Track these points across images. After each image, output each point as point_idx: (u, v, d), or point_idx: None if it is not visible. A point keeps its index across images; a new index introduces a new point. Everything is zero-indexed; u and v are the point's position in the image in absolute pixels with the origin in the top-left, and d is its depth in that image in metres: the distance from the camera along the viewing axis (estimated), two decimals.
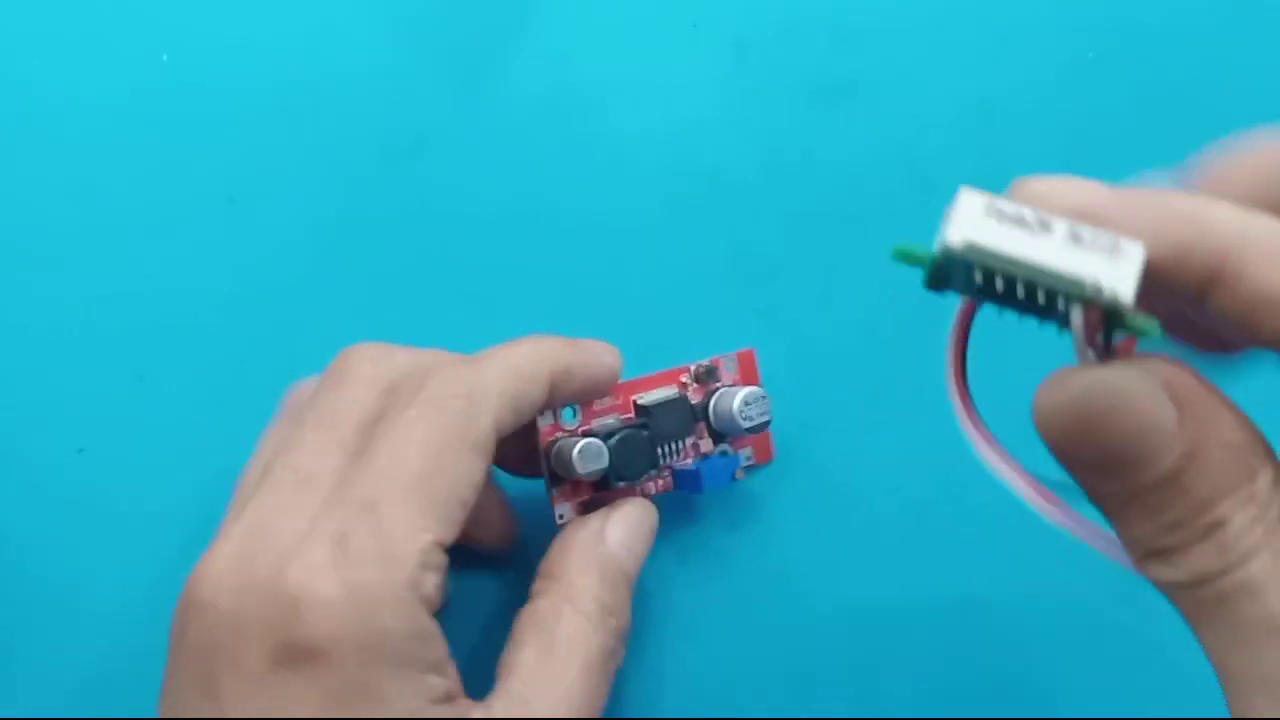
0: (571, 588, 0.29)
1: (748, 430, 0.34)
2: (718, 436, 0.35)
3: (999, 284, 0.21)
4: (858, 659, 0.36)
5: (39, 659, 0.35)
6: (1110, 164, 0.40)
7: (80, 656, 0.35)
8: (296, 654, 0.24)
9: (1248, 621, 0.20)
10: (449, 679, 0.26)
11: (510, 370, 0.28)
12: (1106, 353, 0.21)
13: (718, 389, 0.34)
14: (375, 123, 0.39)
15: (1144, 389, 0.20)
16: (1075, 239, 0.20)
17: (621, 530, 0.30)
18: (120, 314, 0.37)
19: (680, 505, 0.36)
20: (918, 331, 0.39)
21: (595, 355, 0.31)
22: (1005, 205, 0.21)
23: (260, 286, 0.38)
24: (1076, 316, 0.20)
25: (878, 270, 0.41)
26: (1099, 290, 0.20)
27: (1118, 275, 0.20)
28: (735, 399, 0.34)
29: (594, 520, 0.31)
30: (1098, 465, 0.21)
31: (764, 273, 0.39)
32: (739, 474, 0.35)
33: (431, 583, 0.25)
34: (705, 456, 0.34)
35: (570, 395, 0.31)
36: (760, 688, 0.36)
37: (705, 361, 0.35)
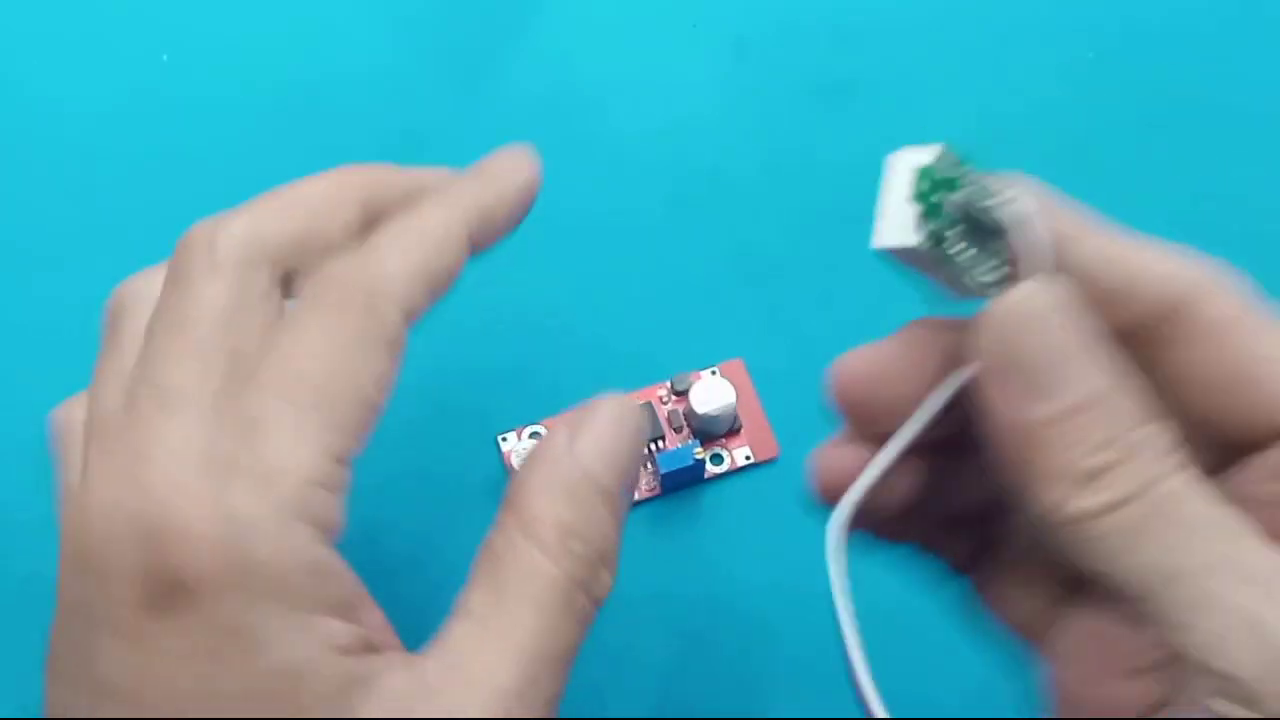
0: (526, 513, 0.23)
1: (713, 416, 0.35)
2: (702, 436, 0.36)
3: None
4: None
5: (39, 659, 0.35)
6: (1110, 164, 0.41)
7: None
8: (165, 597, 0.21)
9: (1192, 520, 0.20)
10: (362, 624, 0.22)
11: (418, 245, 0.24)
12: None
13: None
14: (375, 123, 0.39)
15: (1076, 300, 0.21)
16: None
17: (591, 436, 0.24)
18: None
19: (681, 504, 0.36)
20: None
21: (506, 181, 0.27)
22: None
23: None
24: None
25: (878, 270, 0.41)
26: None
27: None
28: (697, 394, 0.34)
29: (559, 430, 0.25)
30: (1034, 379, 0.21)
31: (764, 273, 0.39)
32: (699, 453, 0.36)
33: (326, 503, 0.21)
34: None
35: (494, 238, 0.27)
36: (761, 687, 0.36)
37: (685, 374, 0.36)
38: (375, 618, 0.23)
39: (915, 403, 0.23)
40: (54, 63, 0.39)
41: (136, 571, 0.21)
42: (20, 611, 0.35)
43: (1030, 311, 0.21)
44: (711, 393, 0.35)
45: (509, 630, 0.22)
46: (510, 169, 0.27)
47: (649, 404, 0.36)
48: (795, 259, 0.39)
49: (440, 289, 0.25)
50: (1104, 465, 0.20)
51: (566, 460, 0.24)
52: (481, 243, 0.26)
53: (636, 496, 0.35)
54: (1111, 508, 0.20)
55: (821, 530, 0.25)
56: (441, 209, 0.25)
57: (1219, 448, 0.23)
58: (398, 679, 0.21)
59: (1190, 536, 0.20)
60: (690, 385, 0.35)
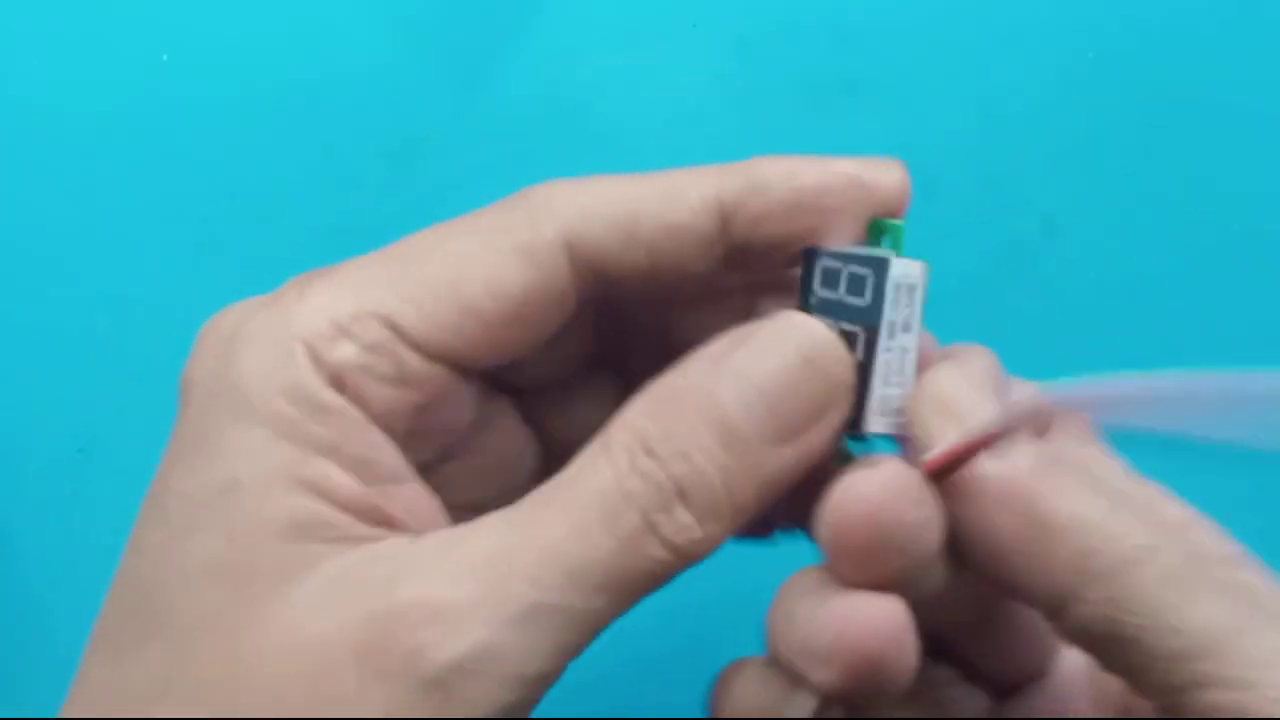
0: (622, 417, 0.19)
1: None
2: None
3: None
4: None
5: (39, 659, 0.35)
6: (1109, 163, 0.40)
7: (80, 656, 0.35)
8: (182, 396, 0.22)
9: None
10: (376, 491, 0.20)
11: (633, 185, 0.22)
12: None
13: None
14: (375, 123, 0.39)
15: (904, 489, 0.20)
16: None
17: (752, 356, 0.20)
18: (120, 314, 0.37)
19: None
20: None
21: (801, 163, 0.22)
22: None
23: (260, 286, 0.38)
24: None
25: None
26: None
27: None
28: None
29: (728, 336, 0.20)
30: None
31: None
32: None
33: (346, 352, 0.19)
34: None
35: (783, 222, 0.22)
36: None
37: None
38: (413, 501, 0.20)
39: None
40: (54, 62, 0.39)
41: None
42: (21, 611, 0.35)
43: (853, 503, 0.19)
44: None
45: (534, 524, 0.19)
46: (842, 164, 0.23)
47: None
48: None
49: (646, 242, 0.21)
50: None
51: (701, 369, 0.20)
52: (746, 215, 0.22)
53: None
54: None
55: None
56: (687, 169, 0.22)
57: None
58: (362, 552, 0.19)
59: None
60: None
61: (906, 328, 0.20)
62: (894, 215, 0.21)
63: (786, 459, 0.19)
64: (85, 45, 0.39)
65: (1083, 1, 0.42)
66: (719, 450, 0.19)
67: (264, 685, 0.18)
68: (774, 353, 0.20)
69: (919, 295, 0.20)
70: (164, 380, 0.38)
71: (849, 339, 0.20)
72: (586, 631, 0.19)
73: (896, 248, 0.21)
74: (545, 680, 0.18)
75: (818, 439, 0.20)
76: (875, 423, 0.20)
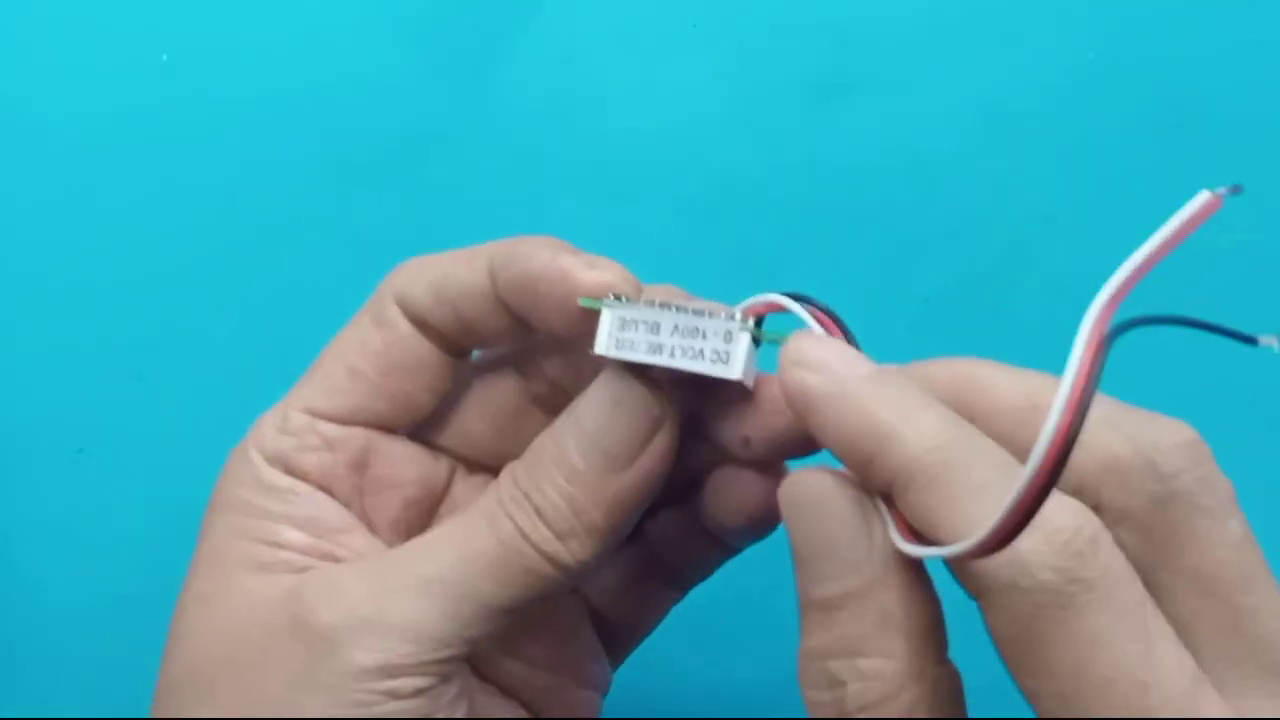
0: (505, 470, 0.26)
1: None
2: None
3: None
4: None
5: (39, 659, 0.35)
6: (1109, 163, 0.41)
7: (80, 656, 0.35)
8: None
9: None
10: (325, 539, 0.26)
11: (438, 259, 0.27)
12: None
13: None
14: (375, 123, 0.39)
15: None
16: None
17: (578, 405, 0.25)
18: (120, 314, 0.37)
19: None
20: (918, 331, 0.39)
21: (532, 246, 0.26)
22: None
23: (260, 286, 0.38)
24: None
25: (878, 270, 0.41)
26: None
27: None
28: None
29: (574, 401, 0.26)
30: (807, 565, 0.22)
31: (764, 273, 0.39)
32: None
33: (284, 443, 0.26)
34: None
35: (518, 291, 0.26)
36: (764, 686, 0.36)
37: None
38: (361, 544, 0.26)
39: None
40: (54, 62, 0.39)
41: None
42: (21, 611, 0.35)
43: (800, 499, 0.22)
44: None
45: (428, 538, 0.25)
46: (542, 242, 0.26)
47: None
48: (795, 258, 0.39)
49: (449, 298, 0.26)
50: (844, 675, 0.22)
51: (558, 423, 0.25)
52: (501, 279, 0.26)
53: None
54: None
55: None
56: (475, 248, 0.27)
57: None
58: (306, 573, 0.25)
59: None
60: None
61: (653, 329, 0.25)
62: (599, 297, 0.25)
63: (625, 483, 0.25)
64: (85, 45, 0.39)
65: (1083, 1, 0.42)
66: (564, 483, 0.25)
67: (205, 650, 0.25)
68: (594, 401, 0.25)
69: (635, 316, 0.25)
70: (164, 380, 0.38)
71: (642, 367, 0.25)
72: (481, 610, 0.24)
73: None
74: (445, 643, 0.24)
75: (651, 463, 0.25)
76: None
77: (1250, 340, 0.21)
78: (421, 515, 0.28)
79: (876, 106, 0.41)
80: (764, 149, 0.40)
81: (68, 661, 0.35)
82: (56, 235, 0.38)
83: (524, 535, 0.24)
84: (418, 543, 0.25)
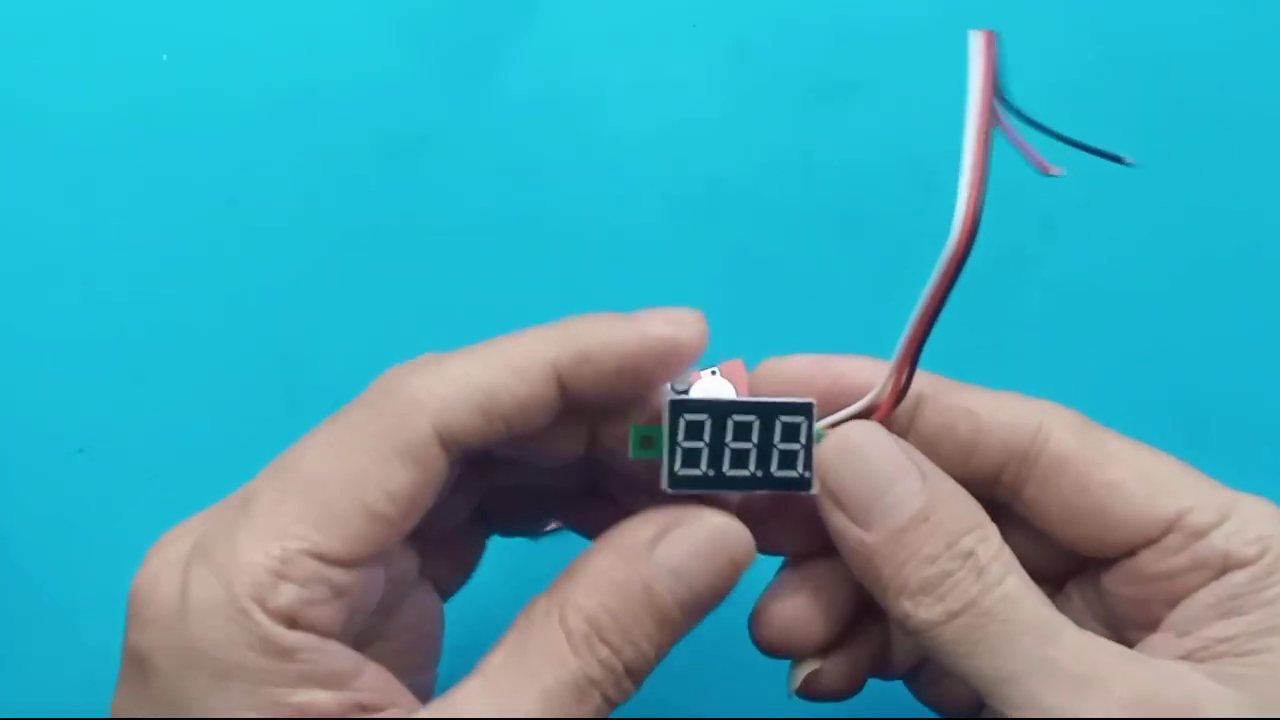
0: (571, 594, 0.24)
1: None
2: None
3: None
4: None
5: (39, 659, 0.35)
6: (1109, 164, 0.40)
7: (80, 656, 0.35)
8: (133, 661, 0.23)
9: (1016, 625, 0.23)
10: (355, 689, 0.23)
11: (481, 366, 0.24)
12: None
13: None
14: (374, 123, 0.39)
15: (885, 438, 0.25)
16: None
17: (677, 549, 0.24)
18: (120, 314, 0.37)
19: None
20: None
21: (621, 328, 0.25)
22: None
23: (260, 286, 0.38)
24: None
25: (878, 270, 0.41)
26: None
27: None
28: (696, 394, 0.35)
29: (649, 522, 0.25)
30: (862, 508, 0.24)
31: (764, 272, 0.39)
32: None
33: (290, 595, 0.22)
34: None
35: (610, 383, 0.25)
36: (764, 685, 0.36)
37: (685, 374, 0.36)
38: (375, 681, 0.24)
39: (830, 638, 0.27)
40: (54, 62, 0.39)
41: (125, 648, 0.23)
42: (21, 611, 0.35)
43: (848, 447, 0.25)
44: (711, 393, 0.35)
45: (512, 702, 0.23)
46: (637, 321, 0.25)
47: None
48: (795, 258, 0.39)
49: (503, 416, 0.24)
50: (936, 578, 0.23)
51: (636, 559, 0.24)
52: (582, 383, 0.24)
53: None
54: (950, 617, 0.23)
55: None
56: (525, 336, 0.25)
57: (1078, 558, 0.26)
58: None
59: (1016, 641, 0.23)
60: (690, 385, 0.35)
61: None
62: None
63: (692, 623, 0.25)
64: (85, 45, 0.39)
65: (1084, 2, 0.42)
66: (657, 634, 0.24)
67: None
68: (707, 557, 0.24)
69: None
70: (164, 380, 0.38)
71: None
72: None
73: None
74: None
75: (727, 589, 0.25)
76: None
77: (1120, 160, 0.26)
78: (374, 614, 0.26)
79: (875, 107, 0.41)
80: (763, 149, 0.40)
81: (67, 660, 0.35)
82: (57, 235, 0.38)
83: (610, 701, 0.24)
84: (502, 709, 0.23)
